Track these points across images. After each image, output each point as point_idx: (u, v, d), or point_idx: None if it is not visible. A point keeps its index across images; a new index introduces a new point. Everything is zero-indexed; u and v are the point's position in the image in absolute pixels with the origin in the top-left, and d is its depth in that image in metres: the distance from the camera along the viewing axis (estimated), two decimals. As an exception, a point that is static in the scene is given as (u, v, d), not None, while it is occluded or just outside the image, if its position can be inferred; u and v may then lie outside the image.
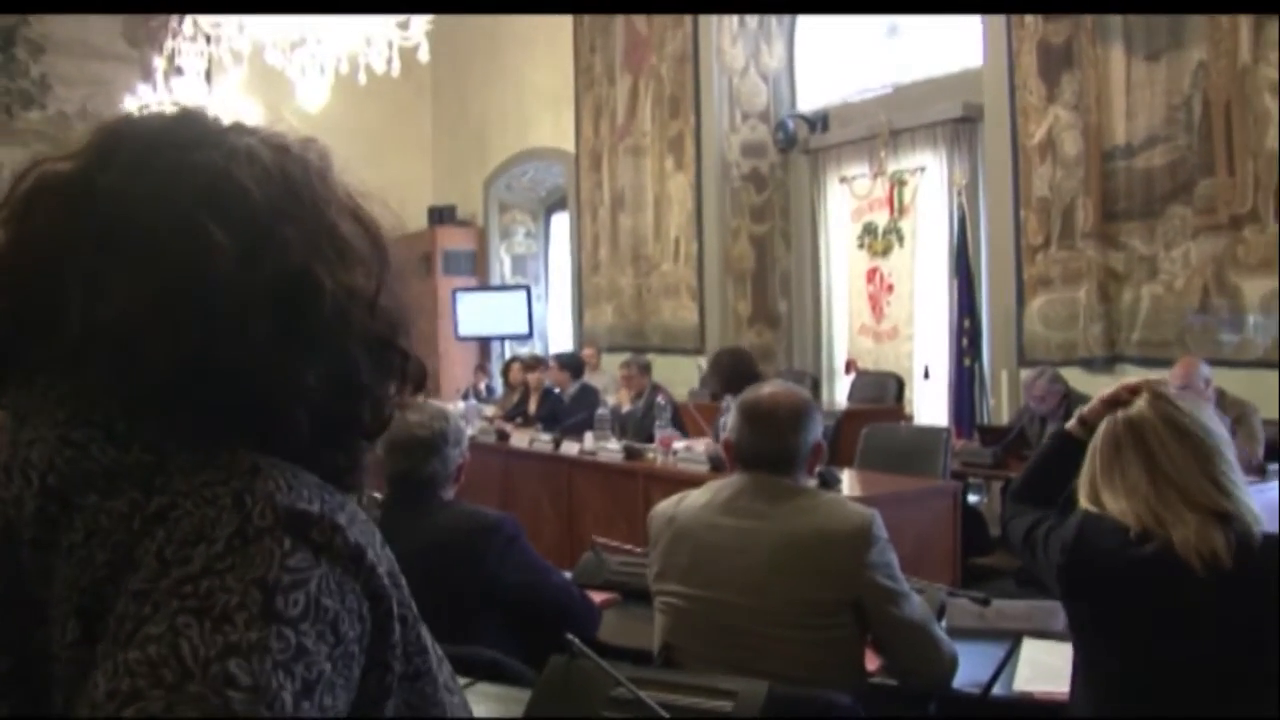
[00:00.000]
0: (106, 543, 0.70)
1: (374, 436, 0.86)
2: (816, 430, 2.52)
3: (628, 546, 3.65)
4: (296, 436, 0.77)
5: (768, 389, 2.60)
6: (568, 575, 3.17)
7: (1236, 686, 1.90)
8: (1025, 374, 6.50)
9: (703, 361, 9.06)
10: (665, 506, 2.60)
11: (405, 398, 0.87)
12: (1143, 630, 1.97)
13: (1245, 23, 5.75)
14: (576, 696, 1.82)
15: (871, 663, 2.50)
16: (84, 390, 0.74)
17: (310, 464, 0.78)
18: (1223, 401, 5.31)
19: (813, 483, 2.60)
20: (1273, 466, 5.16)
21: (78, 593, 0.69)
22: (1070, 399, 6.03)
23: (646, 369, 7.52)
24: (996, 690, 2.44)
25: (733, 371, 5.65)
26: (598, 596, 3.15)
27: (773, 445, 2.48)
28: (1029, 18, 6.82)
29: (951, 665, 2.43)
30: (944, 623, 2.74)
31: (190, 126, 0.81)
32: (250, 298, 0.74)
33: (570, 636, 1.87)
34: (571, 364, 8.29)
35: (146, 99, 8.45)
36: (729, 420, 2.62)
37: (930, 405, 7.89)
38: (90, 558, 0.70)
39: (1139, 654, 1.98)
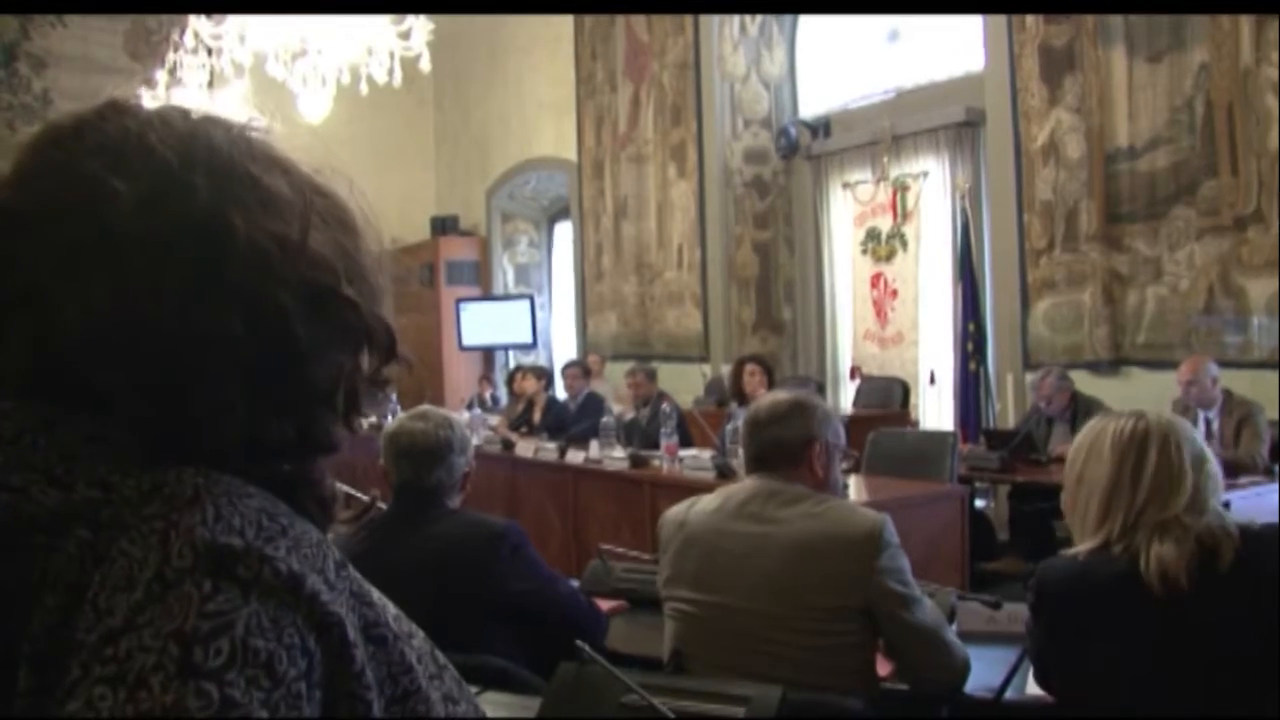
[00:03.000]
0: (58, 585, 0.66)
1: (331, 400, 0.80)
2: (811, 426, 2.51)
3: (634, 553, 3.63)
4: (228, 397, 0.72)
5: (770, 395, 2.62)
6: (574, 583, 3.16)
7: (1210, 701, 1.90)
8: (1032, 375, 6.50)
9: (707, 369, 9.07)
10: (676, 512, 2.59)
11: (380, 369, 0.83)
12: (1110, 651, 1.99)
13: (1246, 24, 5.75)
14: (586, 703, 1.81)
15: (883, 667, 2.48)
16: (18, 431, 0.70)
17: (257, 434, 0.74)
18: (1229, 401, 5.31)
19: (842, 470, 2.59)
20: (1278, 467, 5.14)
21: (28, 640, 0.65)
22: (1078, 400, 6.03)
23: (653, 376, 7.51)
24: (1009, 694, 2.43)
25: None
26: (605, 604, 3.14)
27: (768, 442, 2.50)
28: (1029, 21, 6.82)
29: (964, 669, 2.42)
30: (955, 626, 2.72)
31: (113, 106, 0.78)
32: (155, 242, 0.71)
33: (580, 643, 1.86)
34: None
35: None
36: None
37: (936, 410, 7.88)
38: (40, 601, 0.66)
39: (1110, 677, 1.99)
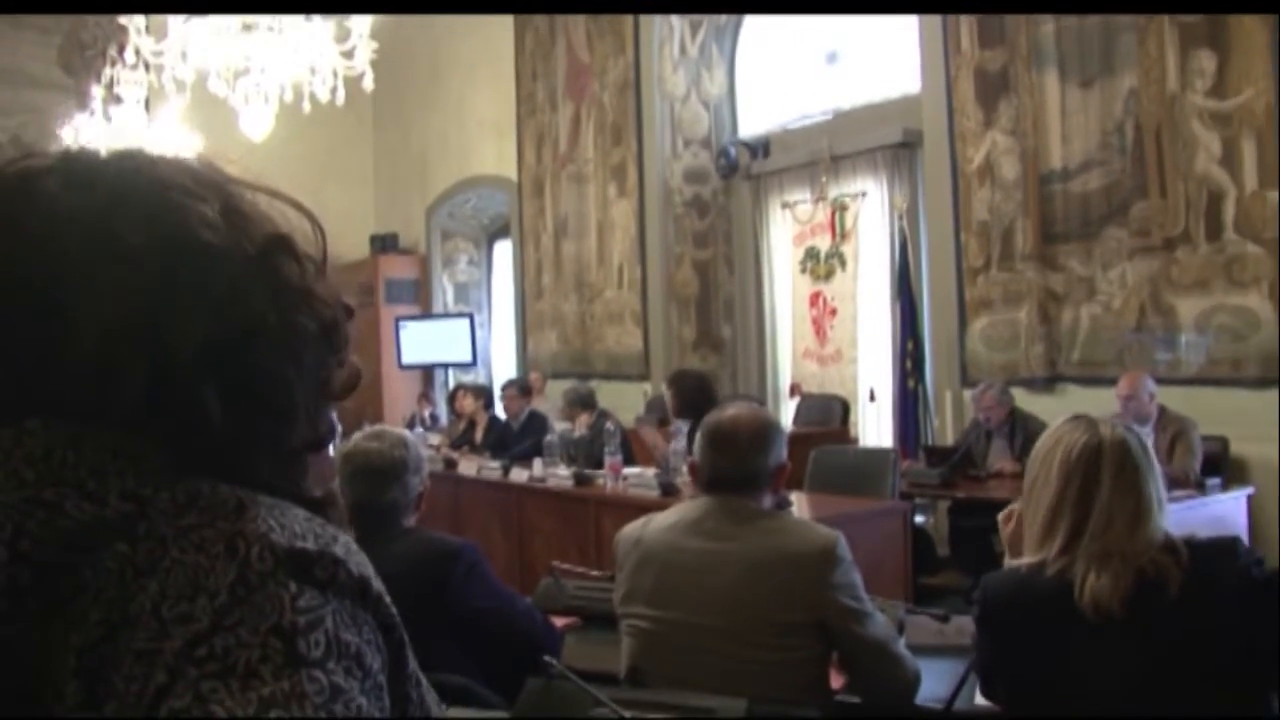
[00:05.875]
0: (99, 600, 0.66)
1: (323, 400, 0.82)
2: (780, 451, 2.55)
3: (584, 570, 3.65)
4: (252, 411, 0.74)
5: (730, 411, 2.63)
6: (528, 601, 3.17)
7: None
8: (971, 391, 6.60)
9: (648, 387, 9.09)
10: (632, 529, 2.61)
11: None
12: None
13: (1172, 51, 5.91)
14: (556, 717, 1.82)
15: (836, 680, 2.53)
16: (47, 448, 0.70)
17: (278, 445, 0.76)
18: (1164, 417, 5.44)
19: (774, 503, 2.62)
20: (1212, 481, 5.28)
21: (74, 654, 0.65)
22: (1016, 415, 6.14)
23: (583, 401, 7.42)
24: (958, 705, 2.48)
25: (697, 394, 5.73)
26: (558, 621, 3.15)
27: (735, 467, 2.51)
28: (965, 44, 6.95)
29: (914, 681, 2.47)
30: (904, 639, 2.77)
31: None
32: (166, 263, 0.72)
33: (548, 659, 1.87)
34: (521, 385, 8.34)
35: (83, 128, 8.36)
36: (695, 443, 2.64)
37: (876, 427, 7.96)
38: (84, 617, 0.66)
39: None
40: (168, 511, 0.69)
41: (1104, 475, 2.02)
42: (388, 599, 0.73)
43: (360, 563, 0.72)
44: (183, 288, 0.72)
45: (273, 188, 0.82)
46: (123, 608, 0.66)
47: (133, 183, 0.75)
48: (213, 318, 0.72)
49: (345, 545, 0.72)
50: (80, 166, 0.76)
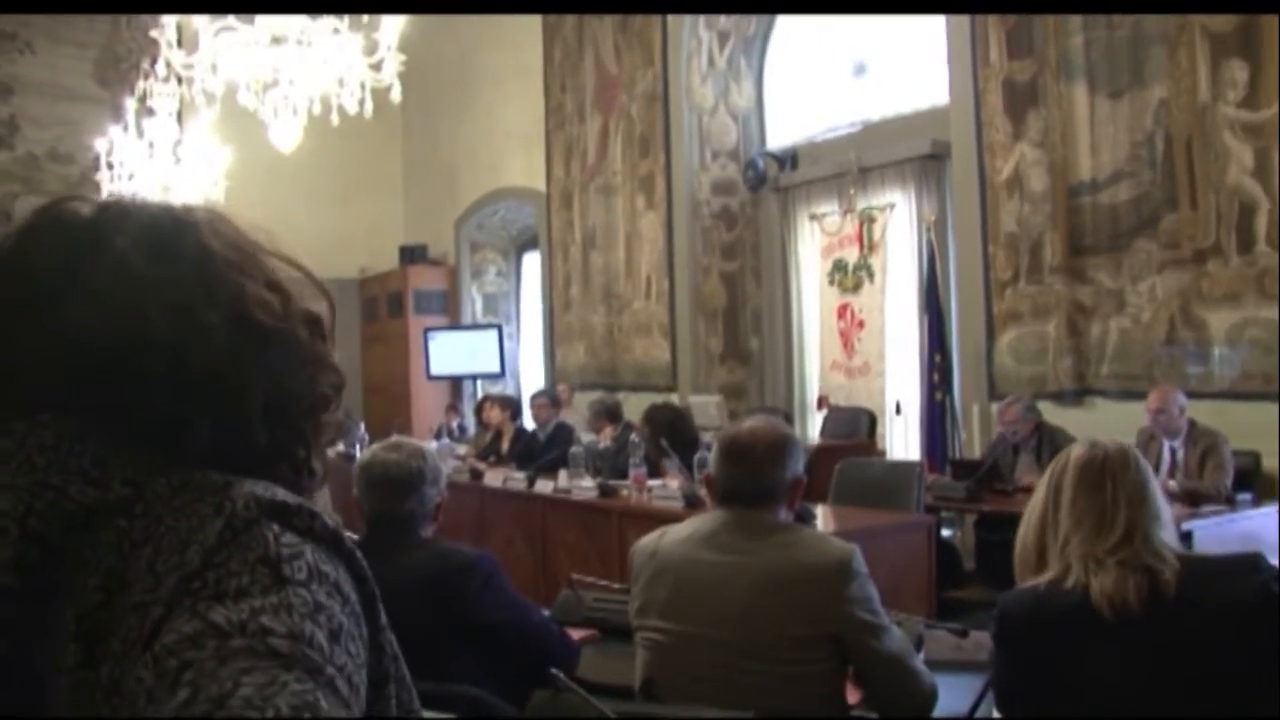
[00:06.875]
0: (98, 570, 0.72)
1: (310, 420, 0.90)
2: (796, 465, 2.53)
3: (605, 583, 3.64)
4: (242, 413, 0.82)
5: (748, 424, 2.62)
6: (545, 613, 3.17)
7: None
8: (998, 405, 6.55)
9: (675, 399, 9.08)
10: (647, 542, 2.60)
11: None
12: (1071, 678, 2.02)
13: (1203, 62, 5.87)
14: (560, 731, 1.82)
15: (852, 695, 2.51)
16: (57, 439, 0.77)
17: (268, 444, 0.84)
18: (1194, 431, 5.37)
19: (791, 517, 2.60)
20: (1243, 496, 5.21)
21: (74, 621, 0.71)
22: (1043, 429, 6.08)
23: (609, 412, 7.45)
24: (976, 721, 2.45)
25: (671, 428, 5.83)
26: (576, 633, 3.14)
27: (751, 480, 2.49)
28: (994, 56, 6.93)
29: (931, 697, 2.44)
30: (922, 655, 2.74)
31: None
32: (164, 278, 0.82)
33: (555, 671, 1.87)
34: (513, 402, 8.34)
35: (117, 140, 8.45)
36: (711, 456, 2.63)
37: (902, 440, 7.92)
38: (82, 587, 0.72)
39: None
40: (163, 494, 0.76)
41: (1067, 483, 2.07)
42: (360, 555, 0.79)
43: (336, 522, 0.79)
44: (245, 362, 0.82)
45: (289, 255, 0.92)
46: (120, 576, 0.72)
47: (202, 259, 0.84)
48: (267, 384, 0.83)
49: (322, 508, 0.79)
50: (157, 239, 0.84)
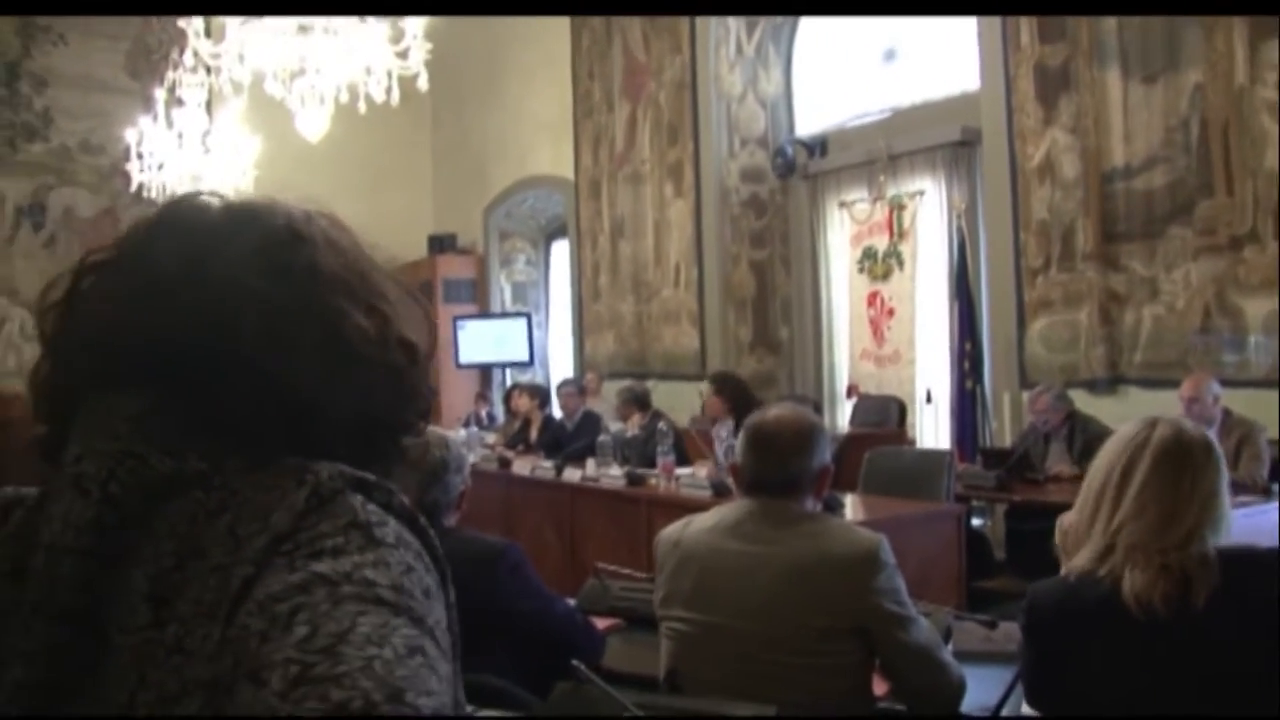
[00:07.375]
0: (171, 535, 0.75)
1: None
2: (823, 453, 2.51)
3: (631, 572, 3.63)
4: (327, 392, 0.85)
5: (773, 412, 2.58)
6: (571, 602, 3.15)
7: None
8: (1029, 393, 6.50)
9: (704, 387, 9.05)
10: (671, 531, 2.59)
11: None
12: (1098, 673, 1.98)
13: (1240, 45, 5.77)
14: (581, 722, 1.81)
15: (879, 687, 2.48)
16: (140, 411, 0.80)
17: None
18: (1229, 420, 5.31)
19: (819, 506, 2.57)
20: (1276, 486, 5.14)
21: (147, 581, 0.74)
22: (1075, 418, 6.03)
23: (638, 400, 7.43)
24: (1005, 713, 2.42)
25: (737, 391, 5.75)
26: (601, 623, 3.13)
27: (777, 470, 2.47)
28: (1025, 40, 6.86)
29: (959, 689, 2.41)
30: (951, 646, 2.72)
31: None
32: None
33: (576, 663, 1.85)
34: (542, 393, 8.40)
35: (147, 131, 8.49)
36: (738, 444, 2.60)
37: (933, 429, 7.88)
38: (156, 551, 0.75)
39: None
40: (239, 470, 0.79)
41: (1143, 465, 1.96)
42: (433, 534, 0.81)
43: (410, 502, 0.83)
44: (329, 384, 0.84)
45: (397, 277, 0.95)
46: (194, 542, 0.75)
47: (309, 278, 0.86)
48: (350, 405, 0.85)
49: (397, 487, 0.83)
50: (270, 252, 0.86)
